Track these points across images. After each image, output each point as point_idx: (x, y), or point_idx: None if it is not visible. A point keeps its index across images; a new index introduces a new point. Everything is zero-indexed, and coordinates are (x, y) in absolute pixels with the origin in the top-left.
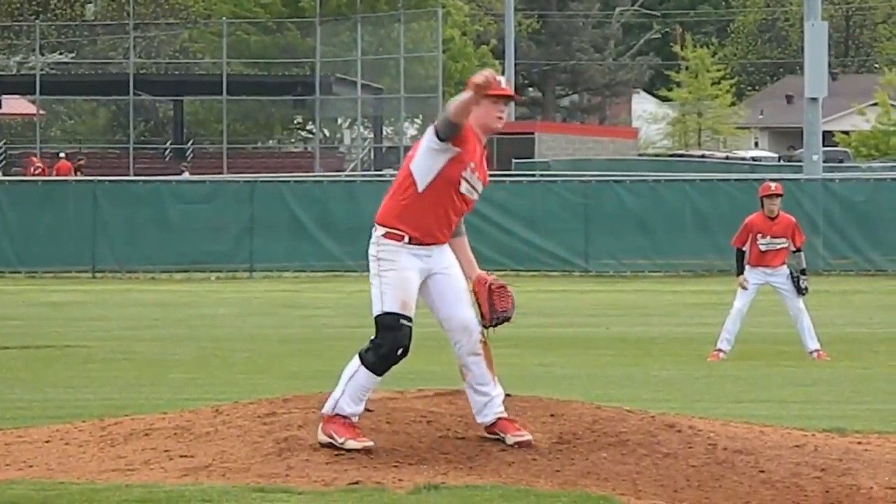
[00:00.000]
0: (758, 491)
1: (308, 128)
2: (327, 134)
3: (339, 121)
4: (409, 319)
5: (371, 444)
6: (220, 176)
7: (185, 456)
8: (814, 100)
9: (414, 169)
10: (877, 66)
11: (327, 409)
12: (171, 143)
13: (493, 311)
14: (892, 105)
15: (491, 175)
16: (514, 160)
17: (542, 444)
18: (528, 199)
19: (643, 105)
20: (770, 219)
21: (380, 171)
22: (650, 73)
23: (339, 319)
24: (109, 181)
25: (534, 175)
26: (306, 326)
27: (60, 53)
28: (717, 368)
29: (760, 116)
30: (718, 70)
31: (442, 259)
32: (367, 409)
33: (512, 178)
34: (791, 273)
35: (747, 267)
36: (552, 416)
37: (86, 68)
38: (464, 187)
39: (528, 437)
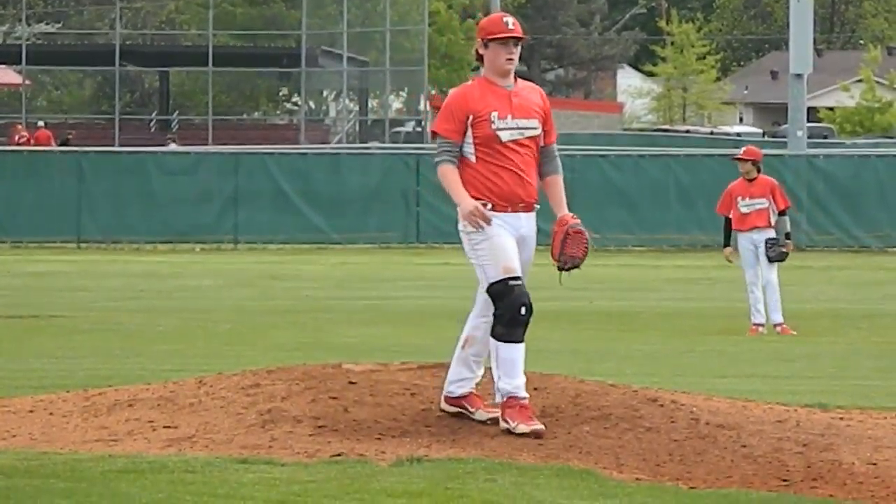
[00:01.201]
0: (740, 465)
1: (293, 100)
2: (312, 106)
3: (325, 93)
4: (517, 279)
5: (541, 427)
6: (205, 147)
7: (169, 427)
8: (799, 76)
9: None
10: (862, 42)
11: (497, 399)
12: (156, 115)
13: (563, 254)
14: (877, 82)
15: None
16: None
17: None
18: None
19: (628, 80)
20: (748, 180)
21: (365, 143)
22: (635, 47)
23: (323, 291)
24: (95, 152)
25: None
26: (290, 298)
27: (47, 24)
28: (700, 344)
29: (745, 92)
30: (703, 45)
31: (530, 227)
32: (350, 382)
33: None
34: (768, 239)
35: (738, 235)
36: (535, 389)
37: (72, 39)
38: (505, 136)
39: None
